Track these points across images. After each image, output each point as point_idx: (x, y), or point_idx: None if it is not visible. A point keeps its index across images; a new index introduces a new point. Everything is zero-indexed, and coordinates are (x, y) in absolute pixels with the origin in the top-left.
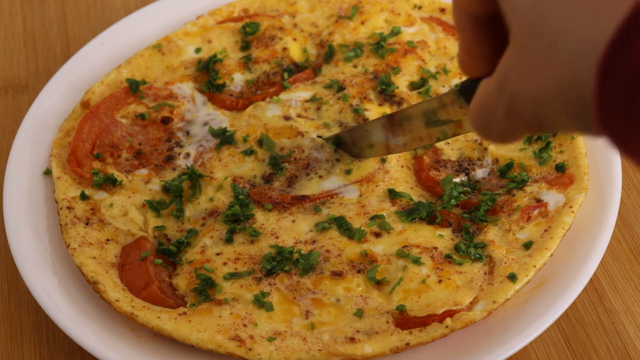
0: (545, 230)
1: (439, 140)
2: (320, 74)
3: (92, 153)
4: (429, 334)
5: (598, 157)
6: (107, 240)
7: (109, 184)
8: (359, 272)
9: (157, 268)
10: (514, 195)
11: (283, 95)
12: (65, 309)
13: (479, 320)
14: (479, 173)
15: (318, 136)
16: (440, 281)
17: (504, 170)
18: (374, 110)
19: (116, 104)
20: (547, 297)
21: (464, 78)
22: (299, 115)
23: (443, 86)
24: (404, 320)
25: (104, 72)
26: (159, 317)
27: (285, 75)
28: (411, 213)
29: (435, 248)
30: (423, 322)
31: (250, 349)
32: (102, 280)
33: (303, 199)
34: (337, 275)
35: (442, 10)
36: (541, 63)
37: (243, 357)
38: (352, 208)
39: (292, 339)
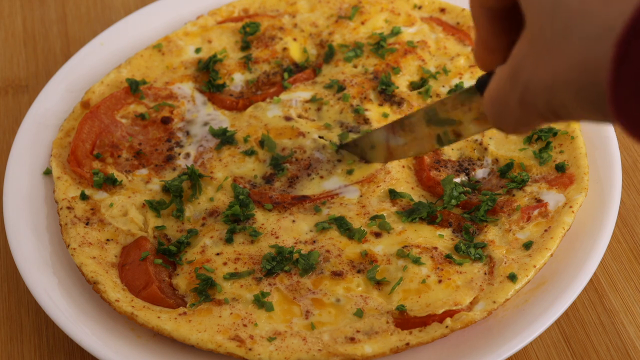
0: (545, 230)
1: (440, 142)
2: (320, 74)
3: (92, 153)
4: (429, 334)
5: (598, 157)
6: (107, 240)
7: (109, 184)
8: (359, 272)
9: (157, 268)
10: (514, 195)
11: (283, 96)
12: (65, 309)
13: (479, 320)
14: (479, 173)
15: (320, 137)
16: (440, 281)
17: (504, 170)
18: (374, 110)
19: (116, 104)
20: (547, 297)
21: (464, 78)
22: (299, 116)
23: (443, 86)
24: (404, 320)
25: (104, 72)
26: (159, 317)
27: (285, 75)
28: (411, 213)
29: (435, 248)
30: (423, 322)
31: (250, 349)
32: (102, 280)
33: (303, 199)
34: (337, 275)
35: (442, 10)
36: (555, 48)
37: (243, 357)
38: (352, 208)
39: (292, 339)
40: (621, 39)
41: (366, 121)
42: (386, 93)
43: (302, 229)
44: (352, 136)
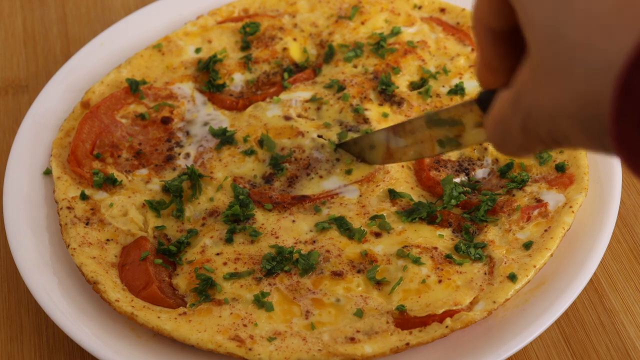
0: (545, 231)
1: (441, 146)
2: (320, 74)
3: (92, 153)
4: (429, 334)
5: (598, 157)
6: (107, 240)
7: (109, 184)
8: (359, 272)
9: (157, 268)
10: (514, 195)
11: (283, 96)
12: (65, 309)
13: (479, 320)
14: (479, 173)
15: (319, 136)
16: (440, 281)
17: (504, 170)
18: (374, 110)
19: (116, 104)
20: (547, 297)
21: (464, 78)
22: (299, 115)
23: (443, 86)
24: (404, 320)
25: (104, 72)
26: (159, 317)
27: (285, 75)
28: (411, 213)
29: (435, 248)
30: (423, 322)
31: (250, 349)
32: (102, 280)
33: (303, 199)
34: (337, 275)
35: (442, 10)
36: (557, 79)
37: (243, 357)
38: (352, 208)
39: (292, 339)
40: (623, 73)
41: (366, 121)
42: (386, 93)
43: (302, 229)
44: (352, 135)
